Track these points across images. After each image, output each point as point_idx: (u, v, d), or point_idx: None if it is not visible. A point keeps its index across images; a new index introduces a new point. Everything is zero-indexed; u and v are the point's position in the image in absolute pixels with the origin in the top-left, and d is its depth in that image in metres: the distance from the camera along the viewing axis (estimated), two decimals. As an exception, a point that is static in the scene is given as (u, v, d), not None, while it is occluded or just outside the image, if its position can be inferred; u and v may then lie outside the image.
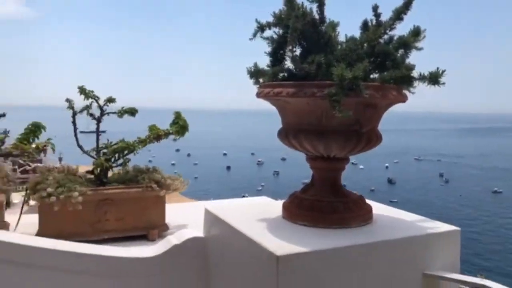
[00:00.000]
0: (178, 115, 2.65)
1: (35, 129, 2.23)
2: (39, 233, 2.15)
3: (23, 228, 2.26)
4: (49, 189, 2.10)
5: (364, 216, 1.78)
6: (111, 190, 2.32)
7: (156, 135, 2.51)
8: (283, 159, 69.22)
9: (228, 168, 64.18)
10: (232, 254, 1.76)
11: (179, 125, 2.60)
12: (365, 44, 1.71)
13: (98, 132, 2.52)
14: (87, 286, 1.77)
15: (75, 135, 2.48)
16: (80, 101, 2.52)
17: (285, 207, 1.85)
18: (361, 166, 59.44)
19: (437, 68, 1.58)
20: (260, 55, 1.92)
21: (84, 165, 2.76)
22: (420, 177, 58.28)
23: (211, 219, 1.92)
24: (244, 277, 1.66)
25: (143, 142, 2.48)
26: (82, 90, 2.42)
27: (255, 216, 1.84)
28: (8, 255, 1.64)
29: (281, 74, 1.78)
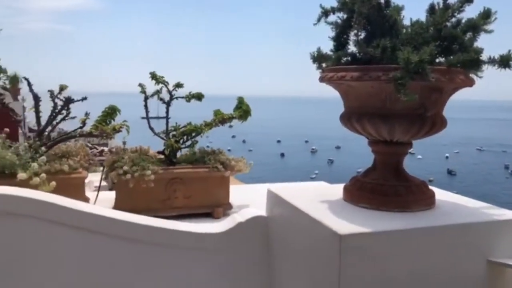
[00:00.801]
0: (241, 100, 2.75)
1: (111, 112, 2.42)
2: (115, 208, 2.35)
3: (100, 203, 2.47)
4: (125, 167, 2.29)
5: (426, 200, 1.78)
6: (180, 169, 2.48)
7: (221, 119, 2.63)
8: (338, 148, 68.20)
9: (282, 155, 64.26)
10: (294, 232, 1.83)
11: (242, 110, 2.70)
12: (431, 28, 1.69)
13: (167, 116, 2.69)
14: (159, 256, 1.92)
15: (147, 118, 2.65)
16: (149, 88, 2.68)
17: (346, 189, 1.88)
18: (419, 156, 57.17)
19: (509, 51, 1.54)
20: (322, 41, 1.95)
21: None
22: (483, 169, 55.17)
23: (274, 199, 1.99)
24: (306, 255, 1.72)
25: (209, 125, 2.62)
26: (153, 76, 2.58)
27: (316, 198, 1.89)
28: (91, 225, 1.81)
29: (345, 59, 1.80)
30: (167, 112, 2.70)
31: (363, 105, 1.72)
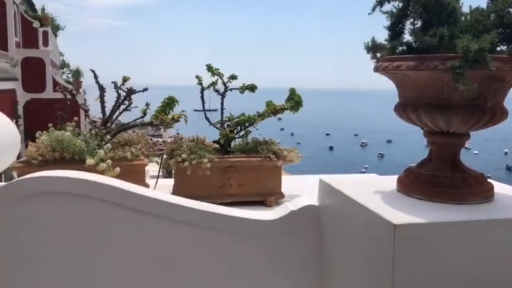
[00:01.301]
0: (293, 91, 2.78)
1: (170, 102, 2.54)
2: (174, 194, 2.47)
3: (159, 189, 2.60)
4: (183, 155, 2.40)
5: (485, 193, 1.73)
6: (234, 158, 2.57)
7: (273, 109, 2.68)
8: (389, 141, 66.38)
9: (331, 148, 63.44)
10: (346, 222, 1.84)
11: (294, 101, 2.73)
12: (493, 15, 1.63)
13: (222, 107, 2.78)
14: (214, 241, 2.00)
15: (203, 109, 2.75)
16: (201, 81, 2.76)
17: (400, 180, 1.87)
18: (475, 151, 54.22)
19: None
20: (375, 31, 1.94)
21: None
22: (548, 166, 51.60)
23: (326, 189, 2.02)
24: (358, 244, 1.73)
25: (261, 116, 2.68)
26: (209, 68, 2.67)
27: (369, 188, 1.89)
28: (153, 209, 1.92)
29: (400, 48, 1.78)
30: (222, 103, 2.79)
31: (419, 95, 1.70)
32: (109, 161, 2.25)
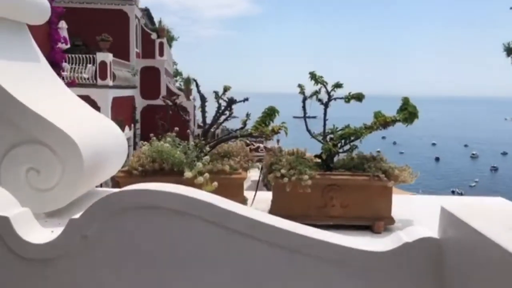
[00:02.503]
0: (406, 101, 2.47)
1: (271, 113, 2.40)
2: (272, 211, 2.32)
3: (257, 204, 2.47)
4: (283, 171, 2.24)
5: None
6: (338, 175, 2.33)
7: (383, 121, 2.40)
8: (504, 154, 60.01)
9: (437, 159, 59.06)
10: (477, 263, 1.52)
11: (408, 112, 2.42)
12: None
13: (325, 117, 2.57)
14: (317, 269, 1.80)
15: (305, 120, 2.57)
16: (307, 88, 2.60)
17: (546, 215, 1.50)
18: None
19: None
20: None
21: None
22: None
23: (449, 220, 1.70)
24: (492, 291, 1.41)
25: (369, 128, 2.41)
26: (312, 76, 2.49)
27: (504, 221, 1.56)
28: (250, 231, 1.78)
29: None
30: (324, 114, 2.58)
31: None
32: (206, 174, 2.17)
